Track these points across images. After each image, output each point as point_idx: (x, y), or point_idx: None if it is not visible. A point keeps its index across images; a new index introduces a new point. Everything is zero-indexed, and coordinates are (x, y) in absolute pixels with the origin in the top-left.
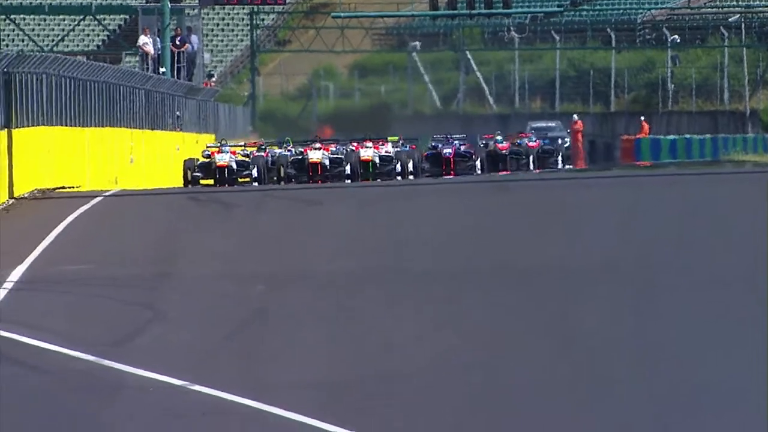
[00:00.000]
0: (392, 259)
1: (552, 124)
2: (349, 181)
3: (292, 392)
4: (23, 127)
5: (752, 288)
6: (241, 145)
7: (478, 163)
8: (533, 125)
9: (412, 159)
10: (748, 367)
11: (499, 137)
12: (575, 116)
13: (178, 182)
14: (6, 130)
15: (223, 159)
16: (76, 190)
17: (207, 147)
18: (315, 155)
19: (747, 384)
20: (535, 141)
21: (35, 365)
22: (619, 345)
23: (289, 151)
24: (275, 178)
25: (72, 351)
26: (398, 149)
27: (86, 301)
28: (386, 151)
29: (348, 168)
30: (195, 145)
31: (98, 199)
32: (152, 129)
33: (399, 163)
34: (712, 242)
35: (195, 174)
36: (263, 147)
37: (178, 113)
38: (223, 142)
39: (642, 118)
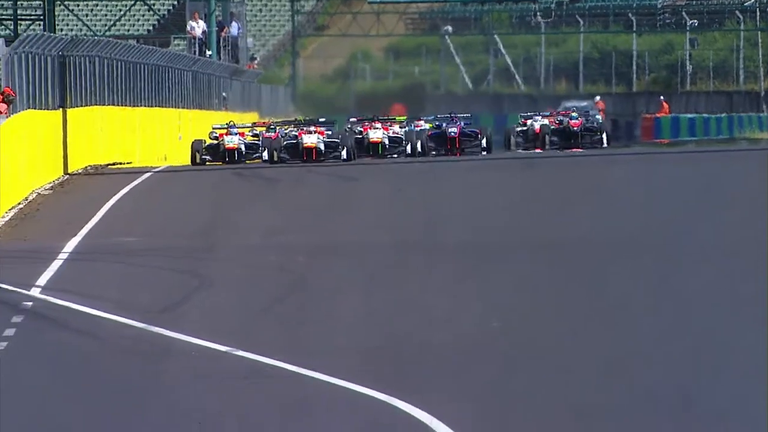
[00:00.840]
0: (427, 233)
1: (584, 103)
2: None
3: (331, 357)
4: (77, 106)
5: (759, 258)
6: (248, 126)
7: (483, 142)
8: (566, 105)
9: (420, 139)
10: (753, 326)
11: (574, 114)
12: (597, 97)
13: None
14: (61, 109)
15: (232, 141)
16: (127, 166)
17: (213, 128)
18: (309, 139)
19: (754, 338)
20: (578, 119)
21: (89, 331)
22: (645, 310)
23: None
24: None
25: (123, 318)
26: (406, 129)
27: (136, 270)
28: (394, 132)
29: (344, 153)
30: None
31: (148, 174)
32: (199, 108)
33: (409, 144)
34: (727, 216)
35: (203, 156)
36: (272, 127)
37: (224, 94)
38: (230, 123)
39: (662, 97)
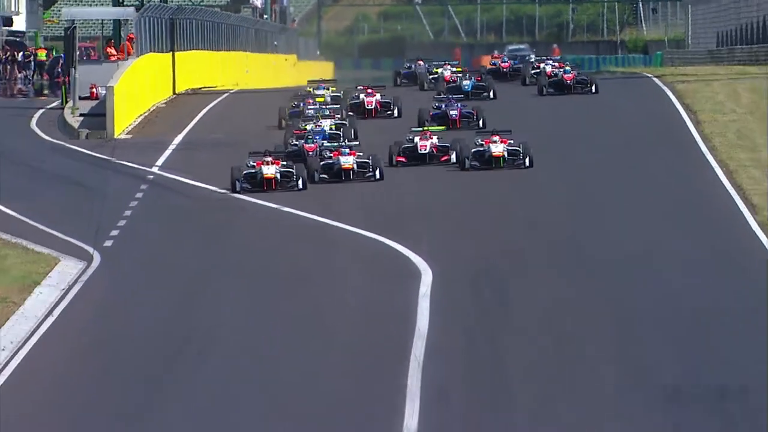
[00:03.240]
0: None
1: (523, 46)
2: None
3: (351, 215)
4: (181, 50)
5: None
6: (281, 154)
7: (480, 122)
8: (510, 48)
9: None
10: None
11: (568, 68)
12: (555, 45)
13: (274, 84)
14: (171, 52)
15: (269, 171)
16: (213, 89)
17: (250, 155)
18: (346, 161)
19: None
20: (507, 62)
21: (190, 195)
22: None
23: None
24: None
25: (211, 186)
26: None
27: (220, 155)
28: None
29: (377, 173)
30: (285, 62)
31: (226, 94)
32: (259, 52)
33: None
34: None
35: (243, 185)
36: (310, 138)
37: (275, 43)
38: (267, 154)
39: (554, 45)
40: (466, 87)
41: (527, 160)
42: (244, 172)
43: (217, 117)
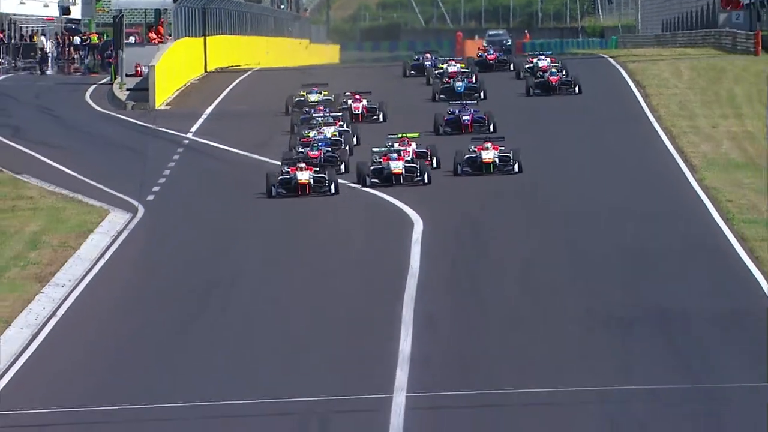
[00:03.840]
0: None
1: (501, 32)
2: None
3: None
4: (211, 35)
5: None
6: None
7: (491, 127)
8: (489, 33)
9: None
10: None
11: (554, 69)
12: (526, 31)
13: (290, 64)
14: (203, 37)
15: (303, 177)
16: (238, 68)
17: (283, 161)
18: (396, 166)
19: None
20: (493, 54)
21: (219, 157)
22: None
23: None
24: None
25: (238, 150)
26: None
27: (245, 124)
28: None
29: (426, 178)
30: (298, 45)
31: (250, 72)
32: (276, 36)
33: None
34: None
35: (279, 190)
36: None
37: (290, 29)
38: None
39: (525, 31)
40: (459, 88)
41: (516, 166)
42: (279, 177)
43: (242, 91)
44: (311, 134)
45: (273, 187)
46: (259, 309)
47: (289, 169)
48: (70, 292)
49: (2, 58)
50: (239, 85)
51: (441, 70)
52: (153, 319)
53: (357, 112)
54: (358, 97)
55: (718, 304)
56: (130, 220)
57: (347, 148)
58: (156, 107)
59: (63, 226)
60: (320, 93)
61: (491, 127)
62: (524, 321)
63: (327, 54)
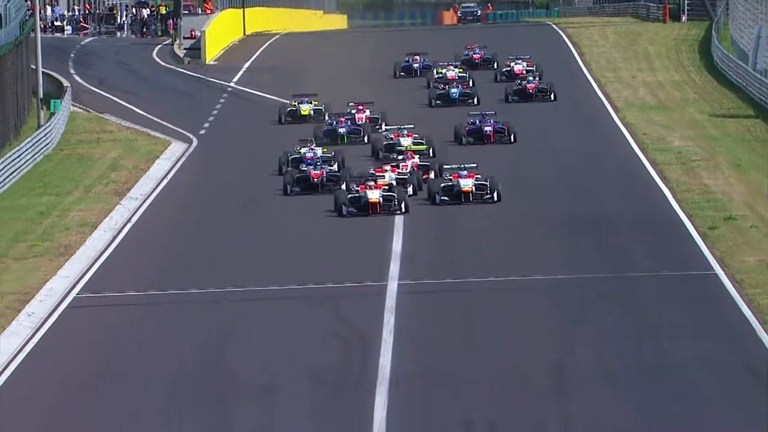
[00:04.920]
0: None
1: (472, 5)
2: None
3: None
4: (248, 7)
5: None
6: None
7: (512, 137)
8: (463, 5)
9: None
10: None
11: (531, 78)
12: (489, 4)
13: (308, 29)
14: (242, 8)
15: (373, 196)
16: (269, 32)
17: (351, 177)
18: (465, 183)
19: None
20: (479, 53)
21: (255, 101)
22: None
23: (312, 150)
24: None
25: (273, 96)
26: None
27: (274, 76)
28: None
29: (496, 195)
30: (314, 15)
31: (278, 36)
32: (298, 8)
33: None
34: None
35: (350, 209)
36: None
37: (308, 2)
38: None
39: (489, 4)
40: (454, 95)
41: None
42: (349, 196)
43: (273, 50)
44: (302, 150)
45: (343, 206)
46: (286, 220)
47: (359, 188)
48: (142, 204)
49: (89, 25)
50: (271, 45)
51: (440, 75)
52: (205, 224)
53: (360, 123)
54: (361, 107)
55: (633, 210)
56: (187, 149)
57: (336, 164)
58: (206, 62)
59: (136, 154)
60: (310, 103)
61: (512, 137)
62: (489, 229)
63: (337, 22)
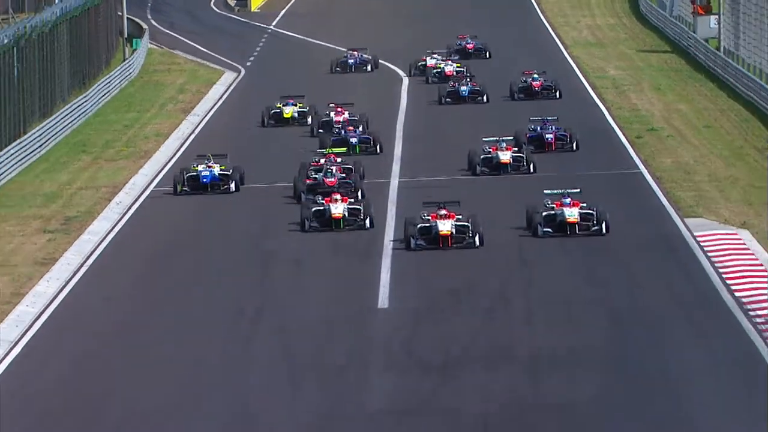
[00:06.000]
0: None
1: None
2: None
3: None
4: None
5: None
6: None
7: (574, 145)
8: None
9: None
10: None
11: (536, 75)
12: None
13: None
14: None
15: (445, 228)
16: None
17: (424, 204)
18: (571, 214)
19: None
20: (471, 43)
21: (289, 41)
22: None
23: (210, 168)
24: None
25: (302, 36)
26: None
27: (306, 20)
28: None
29: (477, 239)
30: None
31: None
32: None
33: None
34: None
35: (419, 242)
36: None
37: None
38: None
39: None
40: (464, 92)
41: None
42: (419, 225)
43: (296, 15)
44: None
45: (412, 238)
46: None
47: (429, 216)
48: (203, 119)
49: None
50: (290, 11)
51: (439, 70)
52: (252, 129)
53: (338, 126)
54: (340, 109)
55: (579, 124)
56: (237, 77)
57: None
58: (252, 10)
59: (198, 80)
60: (296, 105)
61: (574, 144)
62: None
63: None
